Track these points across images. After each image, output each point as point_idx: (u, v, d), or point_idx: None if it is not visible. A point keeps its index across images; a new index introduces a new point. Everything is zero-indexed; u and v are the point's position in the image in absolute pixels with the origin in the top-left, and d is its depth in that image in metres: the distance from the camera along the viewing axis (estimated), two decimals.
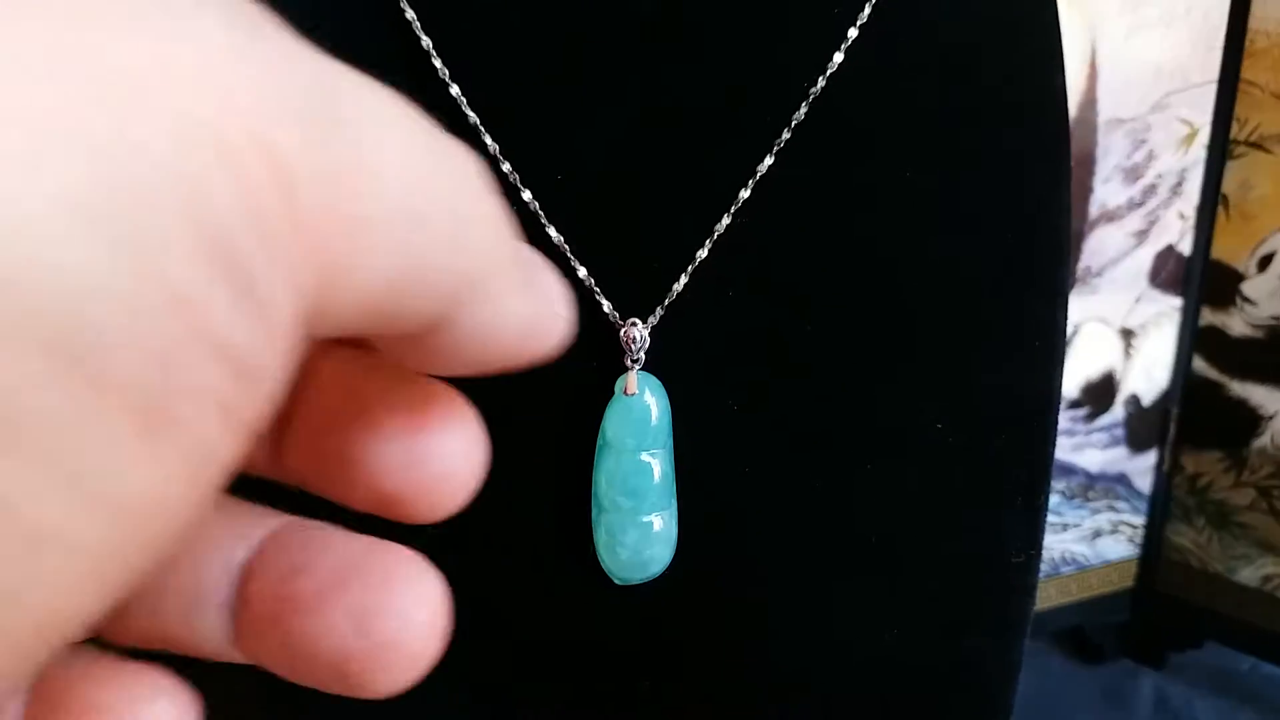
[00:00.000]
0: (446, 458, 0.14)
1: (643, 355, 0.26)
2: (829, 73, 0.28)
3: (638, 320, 0.27)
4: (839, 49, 0.28)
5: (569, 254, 0.27)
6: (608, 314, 0.27)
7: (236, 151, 0.09)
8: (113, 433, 0.08)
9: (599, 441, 0.26)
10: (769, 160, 0.28)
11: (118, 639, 0.14)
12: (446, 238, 0.11)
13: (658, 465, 0.25)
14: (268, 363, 0.10)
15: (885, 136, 0.30)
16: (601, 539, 0.25)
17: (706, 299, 0.28)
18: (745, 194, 0.28)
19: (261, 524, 0.15)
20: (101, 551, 0.08)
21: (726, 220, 0.28)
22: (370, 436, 0.14)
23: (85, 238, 0.08)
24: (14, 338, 0.07)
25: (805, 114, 0.28)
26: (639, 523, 0.25)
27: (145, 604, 0.14)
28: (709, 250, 0.28)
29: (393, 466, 0.14)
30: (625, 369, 0.26)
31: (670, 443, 0.26)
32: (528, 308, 0.13)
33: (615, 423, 0.25)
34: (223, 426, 0.09)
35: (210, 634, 0.15)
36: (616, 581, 0.26)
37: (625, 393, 0.25)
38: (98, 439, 0.08)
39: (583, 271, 0.27)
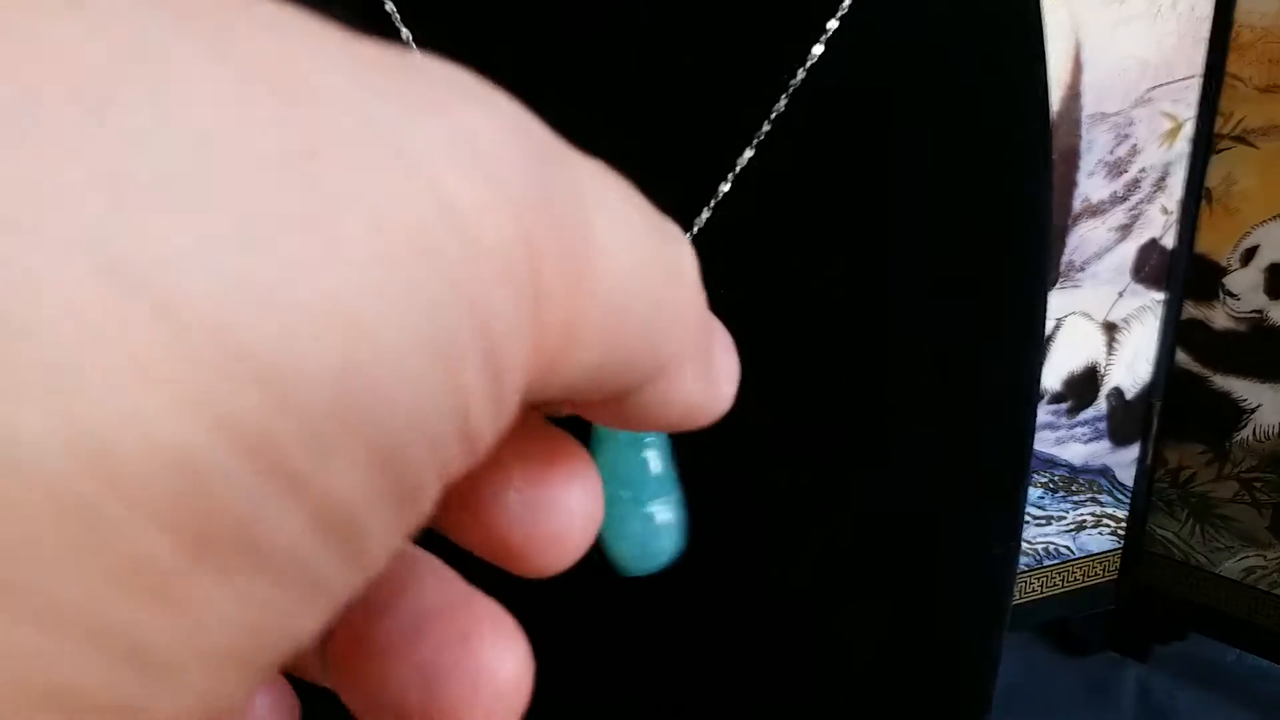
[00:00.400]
0: (569, 513, 0.14)
1: None
2: (808, 65, 0.28)
3: None
4: (819, 41, 0.28)
5: None
6: None
7: (509, 246, 0.09)
8: (387, 510, 0.09)
9: (592, 434, 0.25)
10: (749, 153, 0.28)
11: None
12: (654, 325, 0.11)
13: (654, 455, 0.25)
14: (493, 439, 0.10)
15: (865, 128, 0.29)
16: (606, 531, 0.25)
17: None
18: (725, 187, 0.28)
19: None
20: (345, 595, 0.09)
21: (706, 214, 0.28)
22: (496, 481, 0.14)
23: (415, 349, 0.08)
24: (348, 441, 0.08)
25: (785, 106, 0.28)
26: (641, 514, 0.25)
27: None
28: (689, 244, 0.28)
29: (515, 515, 0.14)
30: None
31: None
32: (702, 388, 0.13)
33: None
34: (441, 489, 0.09)
35: (311, 660, 0.14)
36: (624, 575, 0.26)
37: None
38: (376, 516, 0.09)
39: None
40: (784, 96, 0.28)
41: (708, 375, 0.13)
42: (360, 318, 0.08)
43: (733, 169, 0.28)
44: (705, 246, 0.28)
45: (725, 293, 0.28)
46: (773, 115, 0.28)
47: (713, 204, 0.28)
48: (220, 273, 0.07)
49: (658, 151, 0.28)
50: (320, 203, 0.08)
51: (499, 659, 0.13)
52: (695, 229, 0.28)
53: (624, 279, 0.11)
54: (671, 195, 0.28)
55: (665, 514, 0.25)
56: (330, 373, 0.08)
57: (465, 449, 0.09)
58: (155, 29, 0.08)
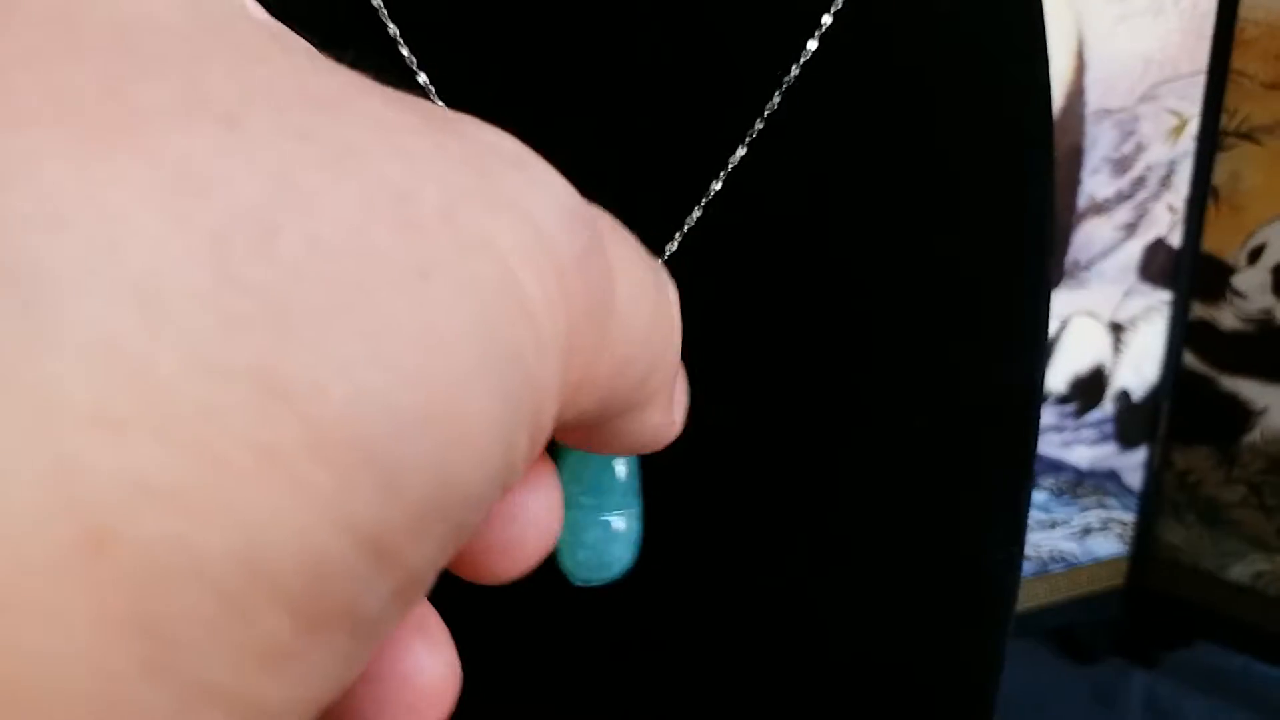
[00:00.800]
0: (527, 520, 0.15)
1: None
2: (802, 61, 0.28)
3: None
4: (813, 37, 0.28)
5: None
6: None
7: (562, 333, 0.10)
8: (442, 561, 0.10)
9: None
10: (741, 151, 0.27)
11: None
12: (648, 367, 0.12)
13: (621, 462, 0.24)
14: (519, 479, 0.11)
15: (861, 127, 0.29)
16: (561, 538, 0.24)
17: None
18: (717, 186, 0.27)
19: None
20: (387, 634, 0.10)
21: (698, 213, 0.27)
22: None
23: (494, 440, 0.09)
24: (441, 522, 0.09)
25: (779, 103, 0.27)
26: (599, 521, 0.24)
27: None
28: (679, 244, 0.27)
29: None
30: None
31: None
32: (666, 416, 0.14)
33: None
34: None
35: None
36: (575, 582, 0.25)
37: None
38: (434, 570, 0.10)
39: None
40: (777, 93, 0.28)
41: (671, 404, 0.14)
42: (460, 417, 0.09)
43: (724, 167, 0.27)
44: (696, 246, 0.27)
45: (716, 292, 0.27)
46: (765, 113, 0.28)
47: (704, 203, 0.27)
48: (355, 387, 0.08)
49: (648, 149, 0.27)
50: (432, 317, 0.09)
51: (424, 662, 0.13)
52: (686, 228, 0.27)
53: (632, 333, 0.12)
54: (662, 194, 0.27)
55: (623, 523, 0.25)
56: (433, 469, 0.09)
57: (502, 494, 0.10)
58: (304, 157, 0.09)
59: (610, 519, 0.25)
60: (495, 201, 0.10)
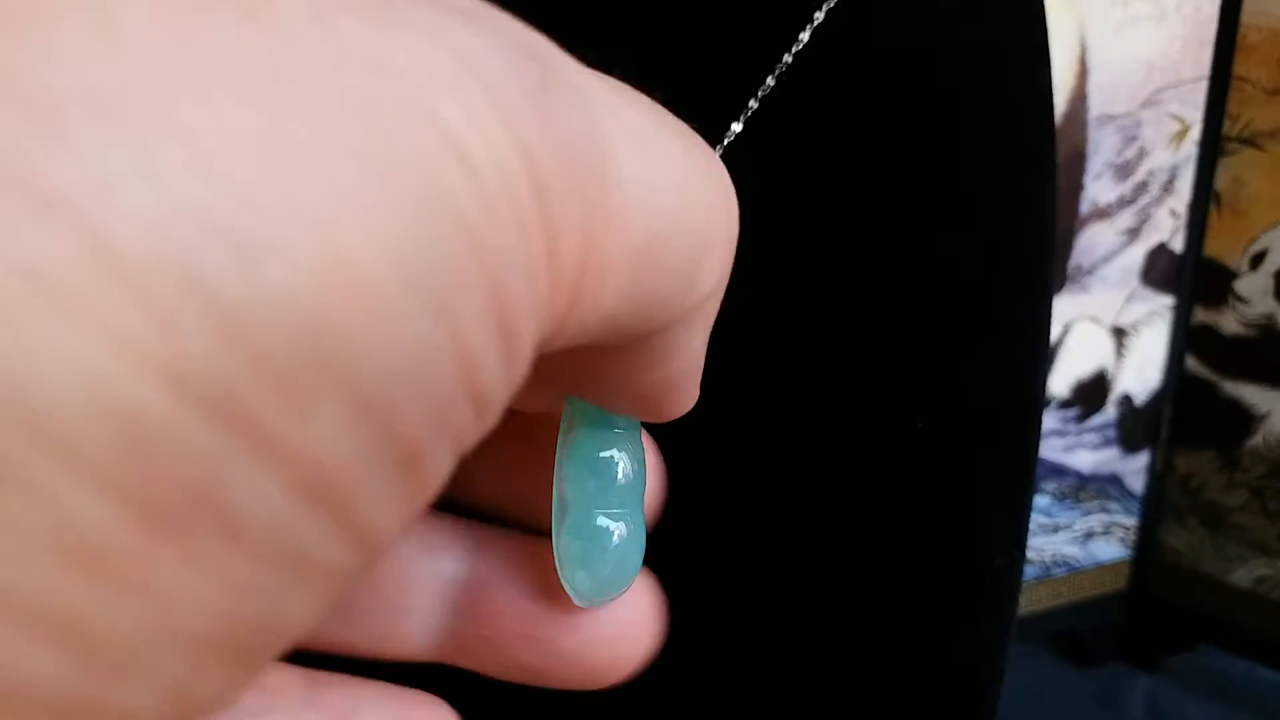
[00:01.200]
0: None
1: None
2: (795, 50, 0.27)
3: None
4: (806, 27, 0.28)
5: None
6: None
7: (512, 181, 0.08)
8: (382, 475, 0.08)
9: (562, 428, 0.23)
10: (737, 127, 0.27)
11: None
12: (690, 258, 0.10)
13: (625, 460, 0.23)
14: (505, 400, 0.09)
15: (856, 121, 0.28)
16: (567, 549, 0.21)
17: None
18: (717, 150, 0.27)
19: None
20: (345, 575, 0.08)
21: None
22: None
23: (406, 291, 0.07)
24: (329, 395, 0.07)
25: (773, 87, 0.27)
26: (605, 529, 0.22)
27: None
28: None
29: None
30: None
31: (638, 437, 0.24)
32: (703, 347, 0.12)
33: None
34: (454, 457, 0.09)
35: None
36: (581, 603, 0.23)
37: None
38: (370, 482, 0.08)
39: None
40: (771, 78, 0.27)
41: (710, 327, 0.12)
42: (338, 253, 0.07)
43: (717, 146, 0.27)
44: None
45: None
46: (760, 94, 0.27)
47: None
48: (163, 199, 0.06)
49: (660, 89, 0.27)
50: (284, 123, 0.07)
51: None
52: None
53: (656, 210, 0.09)
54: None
55: (628, 529, 0.23)
56: (302, 315, 0.07)
57: (475, 411, 0.08)
58: None
59: (615, 524, 0.23)
60: (399, 19, 0.08)
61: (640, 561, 0.23)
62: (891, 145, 0.29)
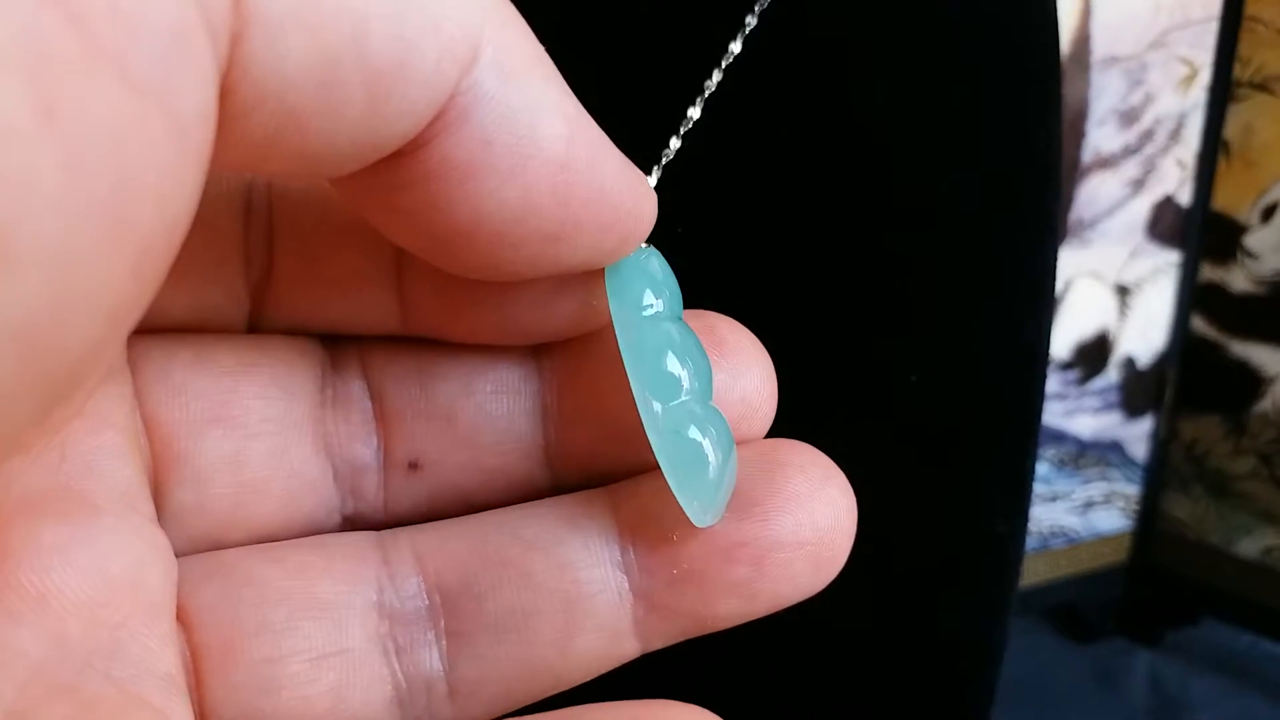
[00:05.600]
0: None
1: None
2: None
3: None
4: None
5: None
6: None
7: None
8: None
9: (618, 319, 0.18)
10: (717, 76, 0.25)
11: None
12: (393, 48, 0.10)
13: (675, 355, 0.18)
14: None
15: (848, 50, 0.27)
16: (679, 458, 0.16)
17: (654, 236, 0.26)
18: (695, 113, 0.26)
19: None
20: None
21: (676, 143, 0.25)
22: None
23: None
24: None
25: (756, 24, 0.25)
26: (709, 407, 0.17)
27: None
28: (655, 180, 0.25)
29: None
30: None
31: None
32: (545, 104, 0.11)
33: (627, 283, 0.17)
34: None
35: None
36: (707, 522, 0.16)
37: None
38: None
39: None
40: (751, 15, 0.26)
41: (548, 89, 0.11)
42: None
43: (701, 94, 0.25)
44: (673, 181, 0.25)
45: (696, 233, 0.25)
46: (742, 34, 0.25)
47: (682, 131, 0.25)
48: None
49: (619, 77, 0.26)
50: None
51: None
52: (663, 161, 0.25)
53: None
54: (638, 124, 0.25)
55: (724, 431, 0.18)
56: None
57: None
58: None
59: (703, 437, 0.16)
60: None
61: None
62: (878, 69, 0.27)
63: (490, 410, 0.15)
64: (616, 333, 0.16)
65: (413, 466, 0.15)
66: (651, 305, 0.17)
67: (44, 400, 0.08)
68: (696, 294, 0.23)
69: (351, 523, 0.15)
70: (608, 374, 0.15)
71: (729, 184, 0.26)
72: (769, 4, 0.26)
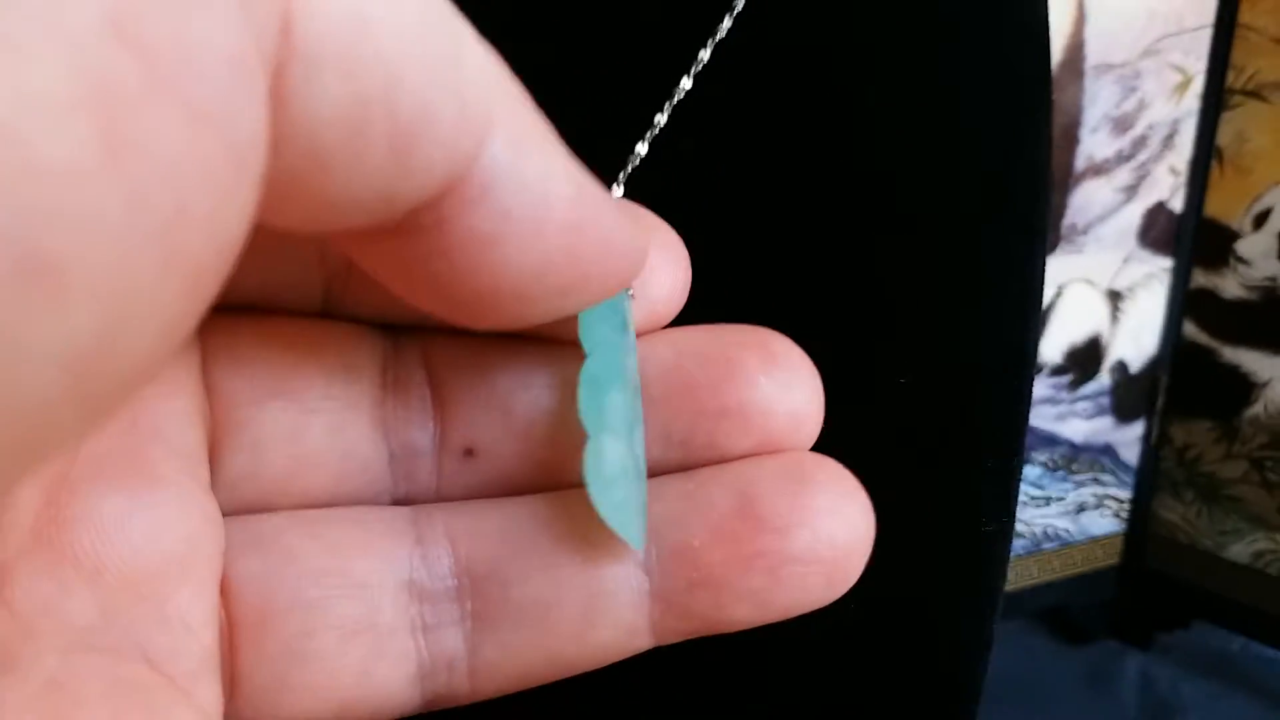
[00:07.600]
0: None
1: None
2: None
3: None
4: None
5: None
6: None
7: None
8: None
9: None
10: (687, 82, 0.25)
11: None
12: (423, 47, 0.10)
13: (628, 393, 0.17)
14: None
15: (837, 54, 0.27)
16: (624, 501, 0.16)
17: None
18: (661, 119, 0.25)
19: None
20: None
21: (643, 149, 0.25)
22: None
23: None
24: None
25: (728, 31, 0.25)
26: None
27: None
28: (623, 185, 0.25)
29: None
30: None
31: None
32: (555, 172, 0.12)
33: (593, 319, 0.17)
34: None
35: None
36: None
37: None
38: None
39: None
40: (727, 18, 0.25)
41: (553, 155, 0.12)
42: None
43: (670, 99, 0.25)
44: (639, 186, 0.25)
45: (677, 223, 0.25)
46: (714, 41, 0.25)
47: (649, 137, 0.25)
48: None
49: (588, 81, 0.26)
50: None
51: None
52: (629, 167, 0.25)
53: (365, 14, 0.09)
54: (606, 129, 0.25)
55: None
56: None
57: None
58: None
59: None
60: None
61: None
62: (863, 69, 0.27)
63: (546, 404, 0.15)
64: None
65: (468, 454, 0.15)
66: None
67: (93, 415, 0.08)
68: (687, 298, 0.23)
69: (401, 506, 0.15)
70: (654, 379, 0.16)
71: (717, 188, 0.26)
72: (749, 9, 0.26)
